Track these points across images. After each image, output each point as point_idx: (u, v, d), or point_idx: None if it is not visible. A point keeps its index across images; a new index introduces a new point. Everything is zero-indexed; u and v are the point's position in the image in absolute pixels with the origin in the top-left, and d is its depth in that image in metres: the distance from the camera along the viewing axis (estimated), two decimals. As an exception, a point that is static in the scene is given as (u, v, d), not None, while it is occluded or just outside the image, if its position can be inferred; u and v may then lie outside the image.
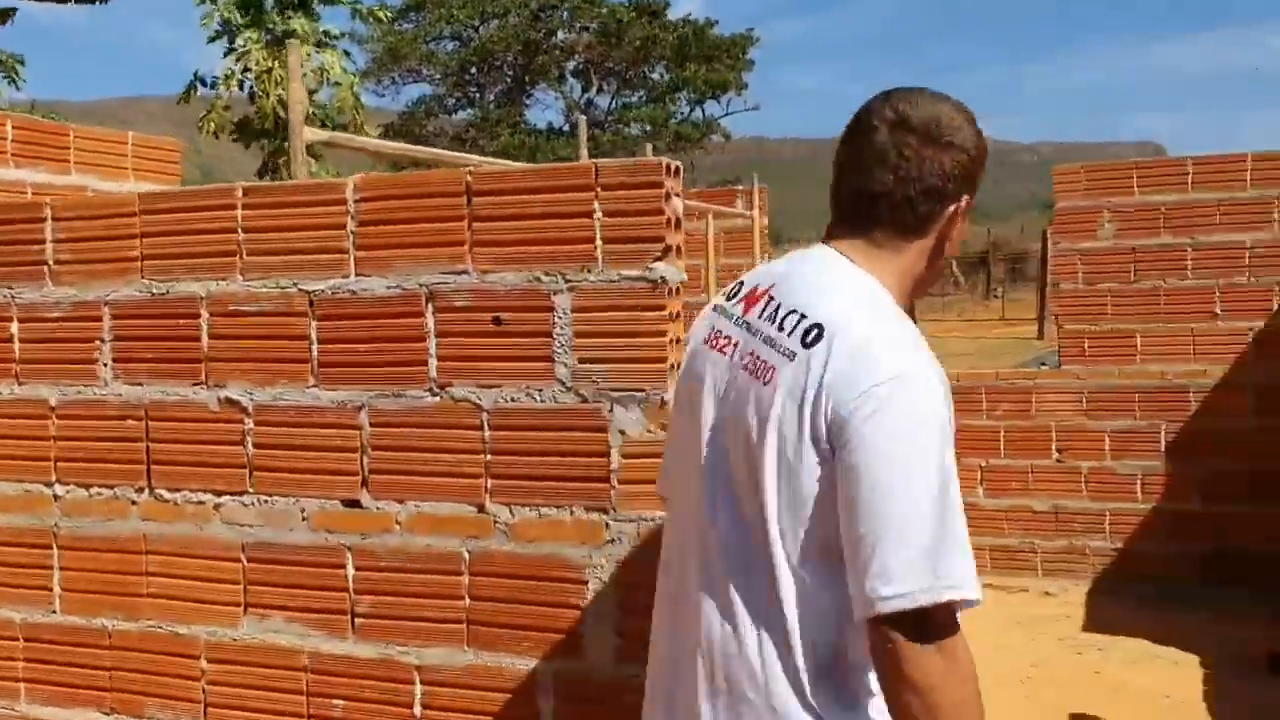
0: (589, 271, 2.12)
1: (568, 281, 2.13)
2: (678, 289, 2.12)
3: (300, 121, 3.07)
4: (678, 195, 2.12)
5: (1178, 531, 6.01)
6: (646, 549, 2.10)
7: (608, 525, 2.14)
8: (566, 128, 34.63)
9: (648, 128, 32.73)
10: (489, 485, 2.22)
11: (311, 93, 9.47)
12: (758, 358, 1.55)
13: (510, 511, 2.21)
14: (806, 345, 1.51)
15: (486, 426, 2.21)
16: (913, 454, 1.43)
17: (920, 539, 1.40)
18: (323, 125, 8.46)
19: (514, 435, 2.19)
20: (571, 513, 2.16)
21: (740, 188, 6.70)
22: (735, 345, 1.60)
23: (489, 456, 2.21)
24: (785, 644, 1.50)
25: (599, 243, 2.10)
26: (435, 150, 4.37)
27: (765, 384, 1.53)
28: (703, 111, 34.70)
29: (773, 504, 1.50)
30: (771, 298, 1.60)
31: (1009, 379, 6.36)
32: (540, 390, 2.16)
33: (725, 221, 6.75)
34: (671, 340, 2.11)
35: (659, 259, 2.08)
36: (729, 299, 1.68)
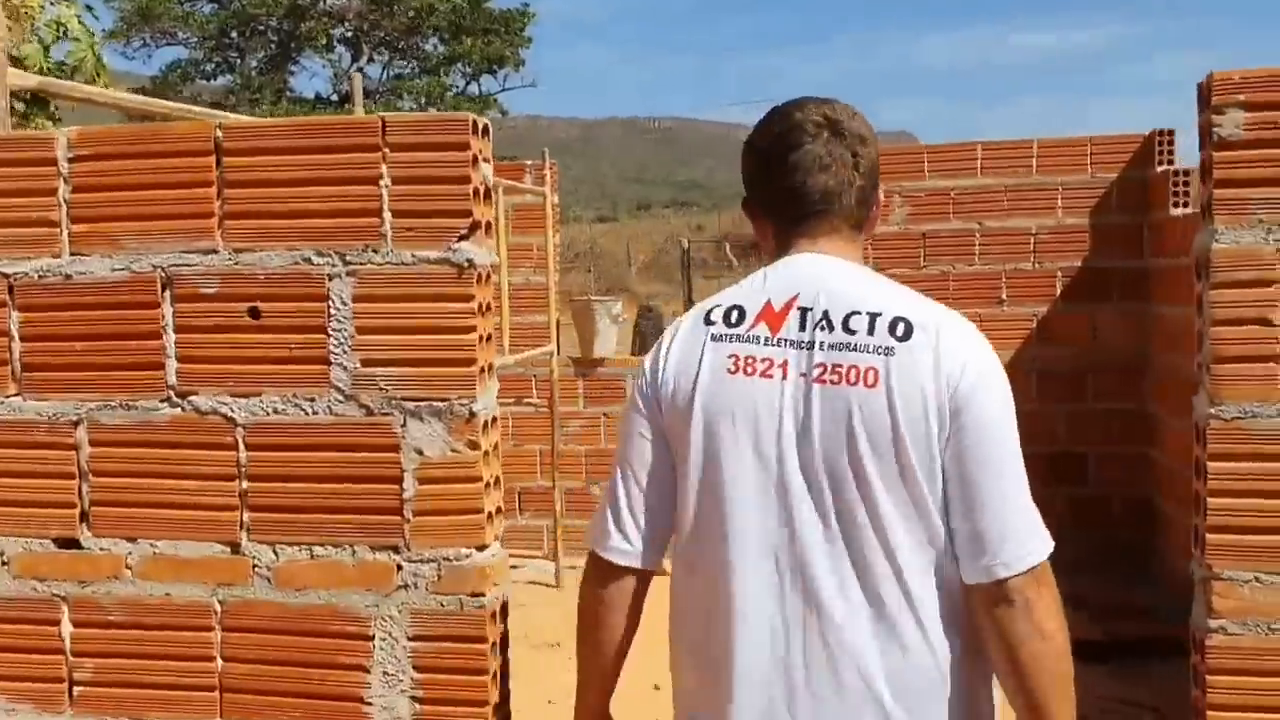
0: (375, 251, 1.69)
1: (348, 264, 1.70)
2: (488, 274, 1.73)
3: (2, 64, 2.48)
4: (487, 161, 1.72)
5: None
6: (449, 595, 1.71)
7: (400, 567, 1.73)
8: (335, 98, 33.15)
9: (422, 100, 31.71)
10: (246, 519, 1.76)
11: (45, 47, 8.44)
12: (840, 365, 1.58)
13: (274, 552, 1.76)
14: (901, 339, 1.57)
15: (242, 445, 1.75)
16: (1011, 425, 1.60)
17: (1029, 500, 1.60)
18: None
19: (278, 456, 1.74)
20: (354, 553, 1.74)
21: (529, 162, 6.30)
22: (786, 364, 1.61)
23: (246, 483, 1.76)
24: (928, 663, 1.58)
25: (387, 216, 1.68)
26: (185, 106, 3.75)
27: (870, 386, 1.56)
28: (479, 86, 33.95)
29: (892, 503, 1.56)
30: (807, 308, 1.62)
31: (803, 364, 6.25)
32: (312, 400, 1.72)
33: (513, 198, 6.34)
34: (482, 338, 1.71)
35: (464, 237, 1.67)
36: (733, 325, 1.66)
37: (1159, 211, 5.58)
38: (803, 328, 1.61)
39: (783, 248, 1.72)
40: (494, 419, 1.77)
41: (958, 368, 1.57)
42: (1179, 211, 5.31)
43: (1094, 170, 5.84)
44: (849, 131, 1.69)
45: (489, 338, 1.72)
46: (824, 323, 1.61)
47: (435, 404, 1.69)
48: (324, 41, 33.10)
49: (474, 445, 1.69)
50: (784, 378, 1.60)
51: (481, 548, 1.76)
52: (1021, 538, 1.58)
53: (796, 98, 1.75)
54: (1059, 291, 5.88)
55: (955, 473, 1.56)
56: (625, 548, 1.71)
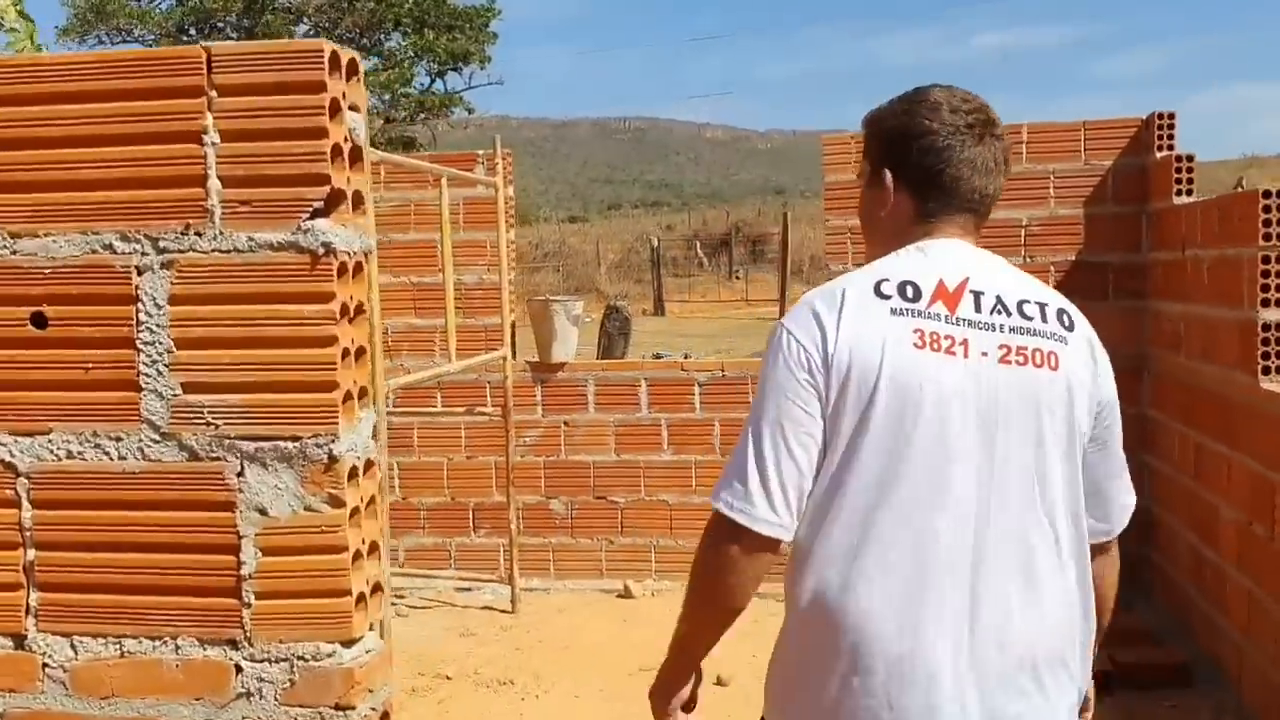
0: (199, 235, 1.23)
1: (161, 251, 1.24)
2: (356, 264, 1.27)
3: None
4: (356, 109, 1.26)
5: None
6: (305, 708, 1.25)
7: (239, 669, 1.26)
8: (297, 96, 32.51)
9: (385, 96, 31.11)
10: (33, 602, 1.30)
11: None
12: (1025, 348, 1.69)
13: (72, 647, 1.29)
14: (1068, 328, 1.74)
15: (25, 501, 1.29)
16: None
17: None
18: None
19: (74, 516, 1.28)
20: (178, 648, 1.27)
21: (480, 152, 5.84)
22: (966, 343, 1.67)
23: (32, 553, 1.29)
24: (1083, 615, 1.77)
25: (214, 185, 1.22)
26: (419, 162, 3.35)
27: (1054, 369, 1.69)
28: (444, 83, 33.36)
29: (1058, 478, 1.70)
30: (980, 292, 1.71)
31: (777, 368, 5.80)
32: (118, 440, 1.26)
33: (464, 190, 5.88)
34: (349, 352, 1.25)
35: (320, 213, 1.21)
36: (910, 300, 1.69)
37: (1159, 201, 5.18)
38: (978, 309, 1.70)
39: (924, 230, 1.79)
40: (368, 463, 1.30)
41: (1104, 358, 1.78)
42: (1182, 200, 4.90)
43: (1088, 157, 5.43)
44: (1003, 135, 1.81)
45: (361, 352, 1.26)
46: (999, 307, 1.71)
47: (283, 445, 1.23)
48: (284, 38, 32.44)
49: (336, 501, 1.23)
50: (965, 356, 1.67)
51: (350, 642, 1.28)
52: (1128, 507, 1.89)
53: (949, 85, 1.83)
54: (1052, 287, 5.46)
55: (1097, 451, 1.79)
56: (773, 519, 1.67)
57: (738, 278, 34.41)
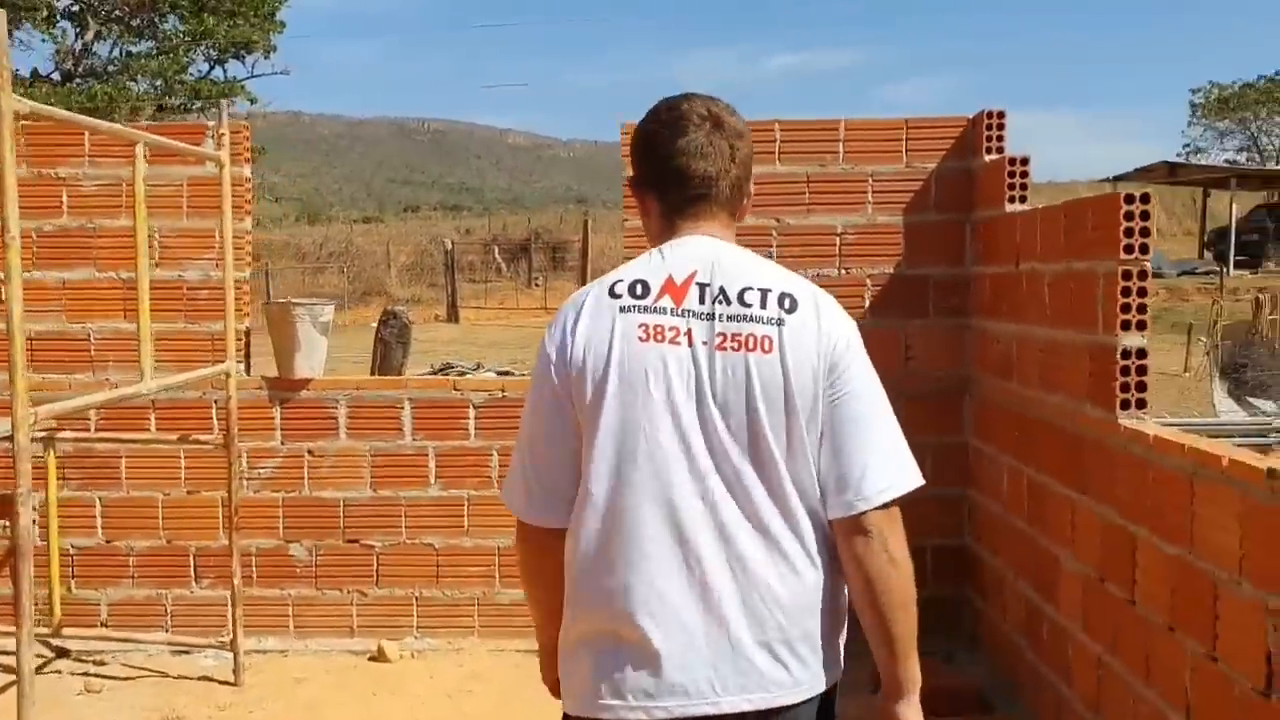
0: None
1: None
2: None
3: None
4: None
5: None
6: None
7: None
8: (57, 76, 29.78)
9: (158, 82, 28.85)
10: None
11: None
12: (740, 335, 1.83)
13: None
14: (789, 310, 1.86)
15: None
16: (874, 381, 1.92)
17: (895, 443, 1.89)
18: None
19: None
20: None
21: (211, 123, 4.80)
22: (690, 332, 1.84)
23: None
24: (814, 581, 1.86)
25: None
26: (114, 126, 3.24)
27: (766, 351, 1.83)
28: (224, 70, 31.24)
29: (780, 450, 1.82)
30: (705, 284, 1.87)
31: (564, 388, 5.00)
32: None
33: (190, 169, 4.85)
34: None
35: None
36: (638, 297, 1.87)
37: (987, 208, 4.66)
38: (702, 301, 1.86)
39: (669, 229, 1.97)
40: None
41: (833, 336, 1.87)
42: (1016, 208, 4.38)
43: (910, 159, 4.88)
44: (728, 126, 1.96)
45: None
46: (721, 297, 1.86)
47: None
48: (45, 14, 29.65)
49: None
50: (689, 344, 1.84)
51: None
52: (885, 472, 1.84)
53: (684, 93, 2.00)
54: (868, 303, 4.89)
55: (829, 424, 1.84)
56: (539, 509, 1.92)
57: (537, 285, 33.60)
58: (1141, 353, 3.32)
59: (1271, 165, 43.32)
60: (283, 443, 4.96)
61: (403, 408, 4.94)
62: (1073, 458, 3.68)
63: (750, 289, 1.85)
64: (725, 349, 1.82)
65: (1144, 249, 3.30)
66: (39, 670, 4.69)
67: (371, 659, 4.81)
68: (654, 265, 1.90)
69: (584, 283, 26.90)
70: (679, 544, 1.81)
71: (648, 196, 2.00)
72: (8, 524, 4.98)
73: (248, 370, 5.00)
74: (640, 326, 1.84)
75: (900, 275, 4.87)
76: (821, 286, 5.00)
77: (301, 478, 4.96)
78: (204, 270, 4.92)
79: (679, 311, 1.84)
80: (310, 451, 4.96)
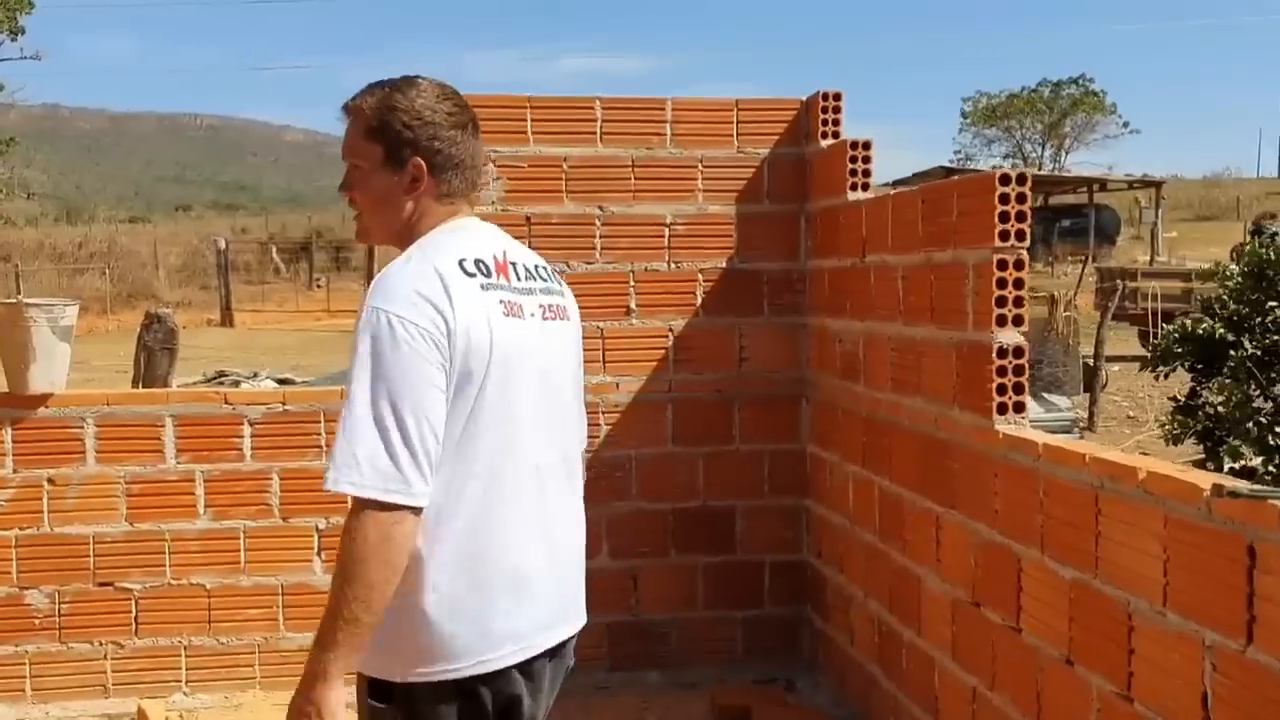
0: None
1: None
2: None
3: None
4: None
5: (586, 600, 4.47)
6: None
7: None
8: None
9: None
10: None
11: None
12: (549, 306, 2.05)
13: None
14: (560, 284, 2.14)
15: None
16: None
17: None
18: None
19: None
20: None
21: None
22: (523, 306, 1.99)
23: None
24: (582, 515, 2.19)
25: None
26: None
27: (566, 321, 2.10)
28: (-37, 53, 28.42)
29: (576, 415, 2.15)
30: (514, 263, 2.04)
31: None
32: None
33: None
34: None
35: None
36: (487, 275, 1.97)
37: (824, 198, 4.32)
38: (519, 278, 2.02)
39: (449, 212, 2.04)
40: None
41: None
42: (859, 196, 4.05)
43: (742, 144, 4.49)
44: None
45: None
46: (529, 274, 2.05)
47: None
48: None
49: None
50: (530, 318, 2.00)
51: None
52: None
53: (424, 76, 2.06)
54: (700, 300, 4.47)
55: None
56: (423, 489, 1.83)
57: (319, 286, 32.08)
58: (1019, 351, 3.00)
59: (1034, 172, 46.17)
60: (15, 470, 4.12)
61: (164, 426, 4.19)
62: (936, 467, 3.35)
63: (538, 265, 2.10)
64: (550, 319, 2.05)
65: (1020, 235, 2.99)
66: None
67: (130, 723, 4.06)
68: (474, 244, 2.00)
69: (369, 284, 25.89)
70: (542, 497, 2.03)
71: (424, 175, 2.00)
72: None
73: (-32, 384, 4.15)
74: (502, 304, 1.96)
75: (733, 270, 4.47)
76: (651, 281, 4.65)
77: (40, 511, 4.14)
78: (-91, 264, 4.04)
79: (512, 288, 1.99)
80: (51, 480, 4.15)
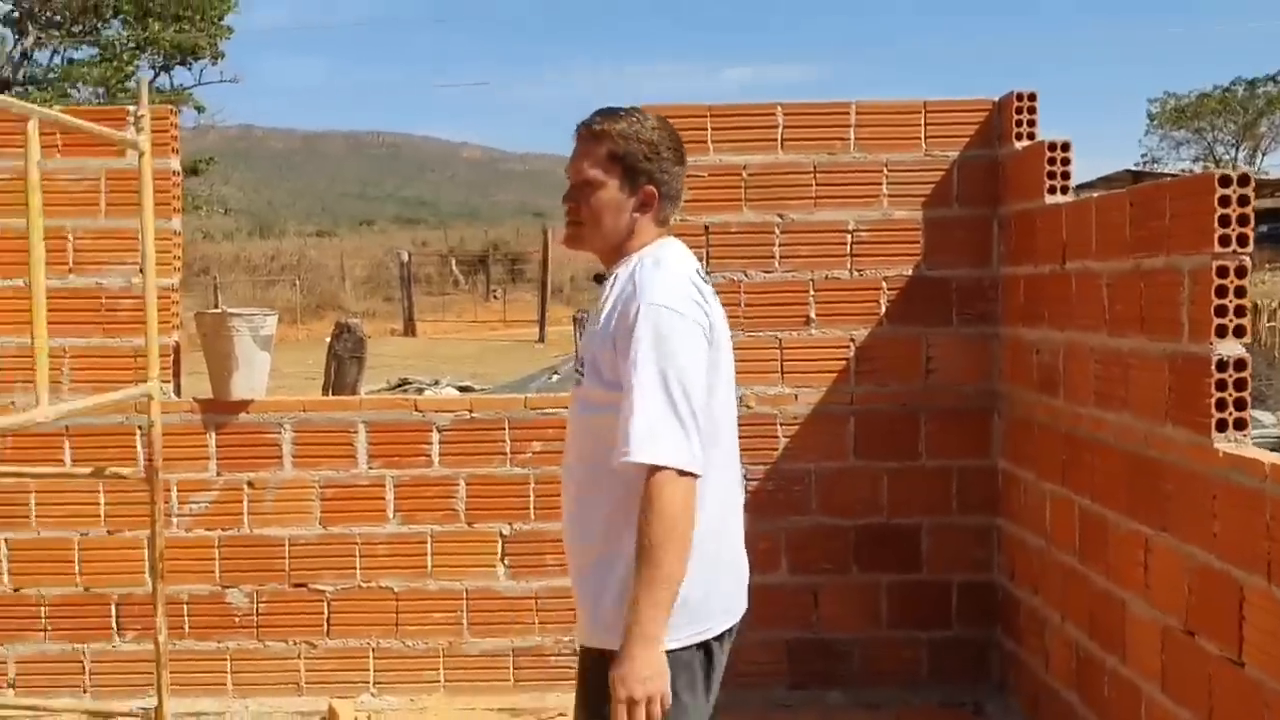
0: None
1: None
2: None
3: None
4: None
5: (761, 614, 4.39)
6: None
7: None
8: (-6, 83, 28.70)
9: (100, 90, 27.88)
10: None
11: None
12: (723, 316, 2.32)
13: None
14: None
15: None
16: None
17: None
18: None
19: None
20: None
21: (133, 108, 4.15)
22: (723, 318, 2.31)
23: None
24: None
25: None
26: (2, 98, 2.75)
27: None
28: (170, 78, 30.32)
29: None
30: (705, 275, 2.36)
31: (541, 406, 4.40)
32: None
33: (109, 161, 4.22)
34: None
35: None
36: (705, 279, 2.32)
37: (1018, 201, 4.13)
38: (711, 292, 2.30)
39: (660, 230, 2.32)
40: None
41: None
42: (1059, 199, 3.85)
43: (930, 146, 4.34)
44: None
45: None
46: (710, 286, 2.33)
47: None
48: (-15, 17, 28.61)
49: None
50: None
51: None
52: None
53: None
54: (884, 309, 4.34)
55: None
56: (702, 464, 2.09)
57: (496, 297, 32.91)
58: (1241, 364, 2.79)
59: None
60: (218, 474, 4.32)
61: (356, 432, 4.32)
62: (1144, 486, 3.14)
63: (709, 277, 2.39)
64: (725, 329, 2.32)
65: (1243, 240, 2.78)
66: (-71, 744, 4.02)
67: (322, 721, 4.19)
68: (690, 259, 2.33)
69: (545, 295, 26.29)
70: (739, 499, 2.38)
71: (654, 201, 2.28)
72: (-104, 571, 4.31)
73: (177, 391, 4.36)
74: (723, 308, 2.32)
75: (920, 277, 4.33)
76: (833, 290, 4.54)
77: (240, 514, 4.33)
78: (126, 277, 4.28)
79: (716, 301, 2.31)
80: (250, 483, 4.33)
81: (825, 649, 4.39)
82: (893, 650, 4.40)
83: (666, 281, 2.16)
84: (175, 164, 4.36)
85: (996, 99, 4.31)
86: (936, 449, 4.36)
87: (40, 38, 29.24)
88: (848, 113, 4.35)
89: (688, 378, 2.08)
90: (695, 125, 4.32)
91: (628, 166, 2.24)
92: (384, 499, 4.33)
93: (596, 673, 2.14)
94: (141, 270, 3.98)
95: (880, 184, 4.34)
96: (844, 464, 4.37)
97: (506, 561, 4.36)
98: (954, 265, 4.33)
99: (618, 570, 2.13)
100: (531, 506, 4.32)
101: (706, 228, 4.34)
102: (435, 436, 4.32)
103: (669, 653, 2.08)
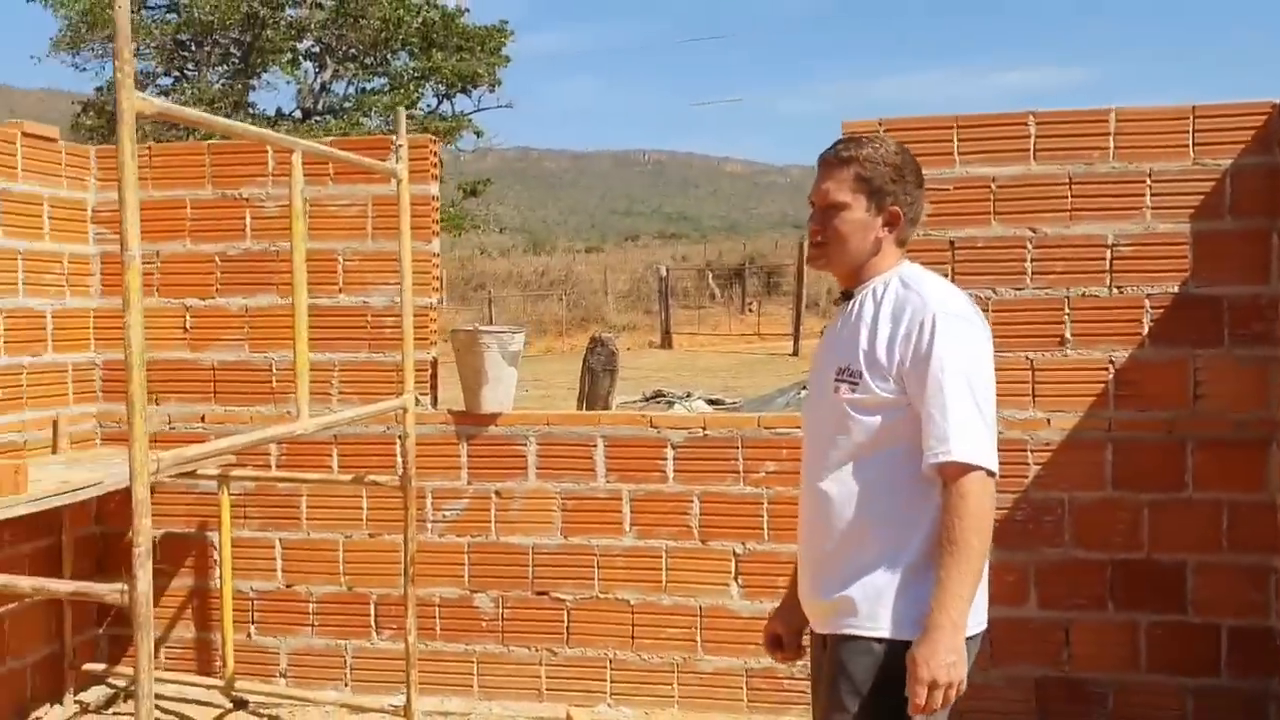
0: None
1: None
2: None
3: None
4: None
5: (1008, 649, 4.19)
6: None
7: None
8: (299, 114, 31.37)
9: (389, 117, 29.94)
10: None
11: None
12: None
13: None
14: None
15: None
16: None
17: None
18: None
19: None
20: None
21: (396, 138, 4.42)
22: None
23: None
24: None
25: None
26: (260, 130, 3.40)
27: None
28: (451, 105, 32.21)
29: None
30: None
31: (775, 426, 4.37)
32: None
33: (374, 188, 4.52)
34: None
35: None
36: None
37: (1303, 212, 3.77)
38: None
39: (898, 255, 2.40)
40: None
41: None
42: (1348, 209, 3.49)
43: (1199, 154, 4.03)
44: None
45: None
46: None
47: None
48: (288, 56, 31.36)
49: None
50: None
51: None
52: None
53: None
54: (1147, 329, 4.06)
55: None
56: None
57: (751, 310, 33.02)
58: None
59: None
60: (469, 482, 4.53)
61: (595, 446, 4.43)
62: None
63: None
64: None
65: None
66: (214, 723, 4.41)
67: (559, 728, 4.31)
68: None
69: (800, 308, 26.08)
70: None
71: (899, 222, 2.38)
72: (191, 565, 4.77)
73: (434, 403, 4.61)
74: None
75: (1187, 294, 4.02)
76: (1089, 308, 4.27)
77: (488, 521, 4.52)
78: (390, 296, 4.57)
79: None
80: (498, 493, 4.52)
81: (1076, 689, 4.14)
82: (1152, 696, 4.09)
83: (949, 290, 2.34)
84: (434, 189, 4.61)
85: (1276, 100, 3.95)
86: (1205, 481, 4.03)
87: (337, 70, 31.76)
88: (1106, 120, 4.09)
89: (986, 384, 2.24)
90: (940, 138, 4.18)
91: (874, 189, 2.35)
92: (620, 512, 4.41)
93: (891, 663, 2.21)
94: (417, 290, 4.25)
95: (1143, 195, 4.06)
96: (1101, 494, 4.11)
97: (740, 580, 4.35)
98: (1226, 281, 3.99)
99: (906, 563, 2.25)
100: (765, 527, 4.30)
101: (952, 242, 4.19)
102: (670, 453, 4.37)
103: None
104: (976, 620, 2.27)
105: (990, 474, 2.17)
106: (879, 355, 2.27)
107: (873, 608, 2.26)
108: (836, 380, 2.33)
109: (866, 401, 2.28)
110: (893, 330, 2.27)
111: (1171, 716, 4.07)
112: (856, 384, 2.29)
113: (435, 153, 4.64)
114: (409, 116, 30.18)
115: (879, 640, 2.25)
